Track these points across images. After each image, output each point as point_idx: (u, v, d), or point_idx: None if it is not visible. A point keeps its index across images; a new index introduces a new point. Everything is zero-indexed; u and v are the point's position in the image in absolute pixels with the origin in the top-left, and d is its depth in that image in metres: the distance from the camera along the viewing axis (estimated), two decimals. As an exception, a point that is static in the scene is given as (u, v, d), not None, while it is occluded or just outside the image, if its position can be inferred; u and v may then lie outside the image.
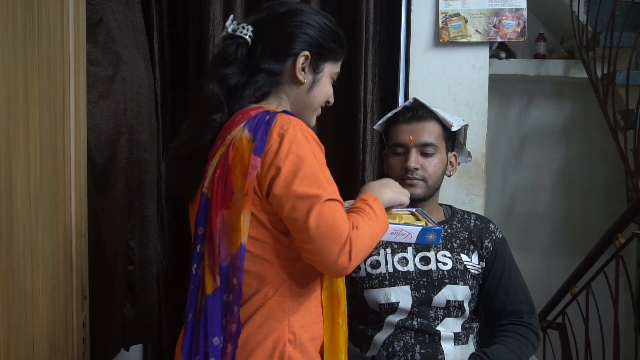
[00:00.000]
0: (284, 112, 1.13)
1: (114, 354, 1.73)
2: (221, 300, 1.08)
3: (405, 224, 1.28)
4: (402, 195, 1.27)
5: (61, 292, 1.37)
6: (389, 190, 1.24)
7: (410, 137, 1.52)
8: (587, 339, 2.49)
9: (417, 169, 1.51)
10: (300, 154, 1.06)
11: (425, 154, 1.52)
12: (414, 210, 1.43)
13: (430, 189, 1.54)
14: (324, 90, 1.24)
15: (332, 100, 1.28)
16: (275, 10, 1.22)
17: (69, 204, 1.41)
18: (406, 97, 1.98)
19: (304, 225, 1.03)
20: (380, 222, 1.14)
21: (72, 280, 1.42)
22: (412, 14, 1.98)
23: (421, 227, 1.25)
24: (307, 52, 1.19)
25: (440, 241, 1.54)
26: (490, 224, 1.60)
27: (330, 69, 1.25)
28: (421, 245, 1.53)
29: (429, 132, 1.53)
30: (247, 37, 1.18)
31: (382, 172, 1.82)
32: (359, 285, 1.52)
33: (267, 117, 1.09)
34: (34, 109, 1.24)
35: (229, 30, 1.19)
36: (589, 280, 2.48)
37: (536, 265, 3.72)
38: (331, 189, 1.07)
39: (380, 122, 1.64)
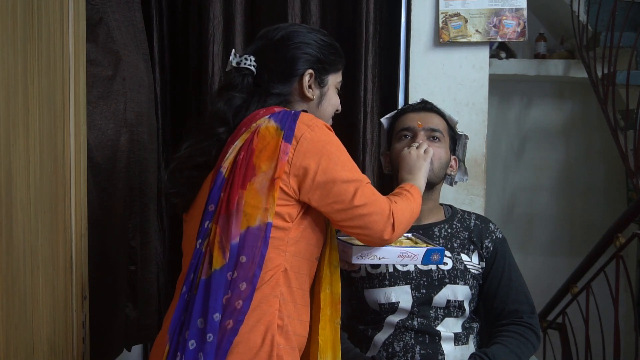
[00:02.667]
0: (304, 111, 1.21)
1: (117, 354, 1.73)
2: (226, 277, 1.11)
3: (409, 246, 1.33)
4: (426, 163, 1.43)
5: (61, 292, 1.37)
6: (418, 173, 1.40)
7: (419, 122, 1.55)
8: (587, 339, 2.49)
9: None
10: (335, 143, 1.17)
11: (432, 139, 1.54)
12: (410, 235, 1.47)
13: (435, 175, 1.53)
14: (332, 102, 1.33)
15: (340, 108, 1.37)
16: (273, 36, 1.28)
17: (69, 204, 1.41)
18: (406, 97, 1.98)
19: (351, 205, 1.15)
20: (418, 202, 1.29)
21: (72, 280, 1.42)
22: (412, 14, 1.98)
23: (426, 249, 1.31)
24: (310, 70, 1.27)
25: (441, 241, 1.54)
26: (491, 224, 1.60)
27: (334, 80, 1.33)
28: None
29: (437, 122, 1.57)
30: (251, 67, 1.25)
31: (382, 173, 1.82)
32: (359, 285, 1.52)
33: (293, 112, 1.18)
34: (34, 108, 1.24)
35: (233, 64, 1.26)
36: (589, 280, 2.48)
37: (536, 265, 3.72)
38: (362, 174, 1.20)
39: (388, 115, 1.66)
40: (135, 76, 1.80)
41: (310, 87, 1.28)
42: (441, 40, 1.96)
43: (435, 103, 1.65)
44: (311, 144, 1.14)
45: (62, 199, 1.37)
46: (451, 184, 1.64)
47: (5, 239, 1.14)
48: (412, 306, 1.47)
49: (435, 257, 1.32)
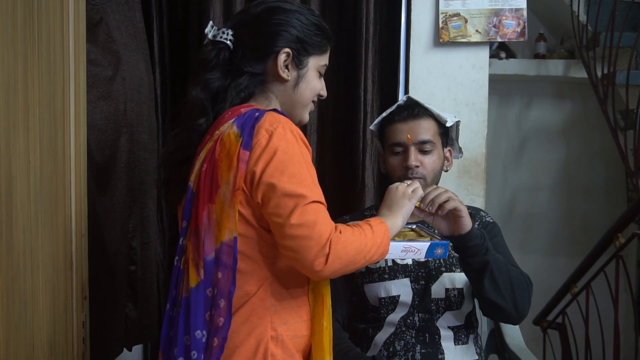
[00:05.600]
0: (274, 110, 1.13)
1: (117, 354, 1.73)
2: (204, 294, 1.08)
3: (412, 240, 1.30)
4: (410, 203, 1.26)
5: (61, 292, 1.37)
6: (398, 212, 1.24)
7: (408, 136, 1.52)
8: (587, 339, 2.49)
9: (417, 166, 1.51)
10: (289, 152, 1.06)
11: (423, 152, 1.53)
12: (414, 226, 1.45)
13: (430, 184, 1.54)
14: (310, 85, 1.23)
15: (324, 93, 1.27)
16: (253, 11, 1.21)
17: (69, 204, 1.41)
18: (406, 97, 1.98)
19: (286, 222, 1.03)
20: (376, 241, 1.12)
21: (72, 280, 1.42)
22: (412, 14, 1.98)
23: (429, 243, 1.28)
24: (287, 49, 1.18)
25: (437, 233, 1.54)
26: (482, 212, 1.62)
27: (316, 63, 1.23)
28: None
29: (426, 130, 1.53)
30: (227, 41, 1.18)
31: (382, 173, 1.82)
32: (359, 280, 1.52)
33: (257, 114, 1.10)
34: (34, 109, 1.24)
35: (209, 36, 1.19)
36: (589, 280, 2.48)
37: (536, 265, 3.71)
38: (317, 190, 1.08)
39: (375, 122, 1.64)
40: (135, 76, 1.80)
41: (286, 67, 1.19)
42: (441, 40, 1.96)
43: (435, 103, 1.64)
44: (264, 150, 1.06)
45: (62, 199, 1.37)
46: (446, 170, 1.63)
47: (5, 239, 1.14)
48: (413, 299, 1.47)
49: (439, 250, 1.29)
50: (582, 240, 3.69)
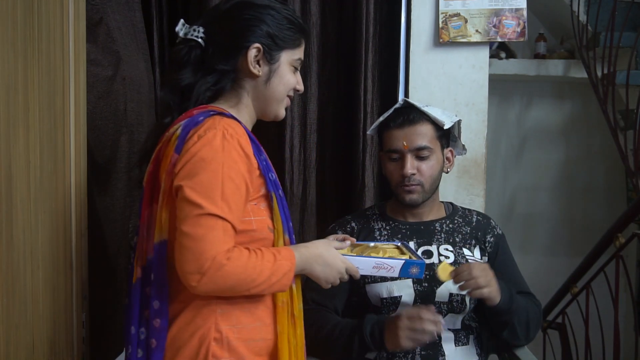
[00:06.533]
0: (224, 114, 1.11)
1: (117, 354, 1.73)
2: (140, 291, 1.10)
3: (389, 257, 1.27)
4: (338, 278, 1.18)
5: (61, 292, 1.37)
6: (317, 272, 1.16)
7: (404, 143, 1.51)
8: (587, 339, 2.49)
9: (413, 174, 1.51)
10: (207, 159, 1.03)
11: (420, 158, 1.52)
12: (398, 244, 1.43)
13: (427, 192, 1.54)
14: (284, 80, 1.21)
15: (300, 87, 1.25)
16: (223, 7, 1.20)
17: (69, 204, 1.41)
18: (406, 97, 1.98)
19: (179, 227, 1.02)
20: (269, 278, 1.06)
21: (72, 280, 1.42)
22: (412, 14, 1.98)
23: (404, 261, 1.24)
24: (257, 45, 1.16)
25: (443, 235, 1.54)
26: (491, 221, 1.63)
27: (289, 57, 1.21)
28: (423, 239, 1.53)
29: (422, 135, 1.52)
30: (198, 39, 1.17)
31: (382, 173, 1.82)
32: (360, 280, 1.52)
33: (201, 117, 1.09)
34: (34, 109, 1.24)
35: (181, 34, 1.18)
36: (589, 280, 2.48)
37: (536, 265, 3.72)
38: (222, 205, 1.02)
39: (372, 127, 1.64)
40: (135, 76, 1.80)
41: (258, 63, 1.17)
42: (441, 40, 1.96)
43: (435, 103, 1.64)
44: (188, 154, 1.05)
45: (62, 199, 1.37)
46: (447, 172, 1.63)
47: (6, 239, 1.14)
48: (415, 300, 1.47)
49: (415, 270, 1.24)
50: (582, 240, 3.69)
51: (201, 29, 1.17)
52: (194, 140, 1.05)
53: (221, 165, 1.04)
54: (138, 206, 1.17)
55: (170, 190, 1.06)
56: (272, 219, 1.15)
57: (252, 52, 1.16)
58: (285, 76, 1.21)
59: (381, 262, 1.22)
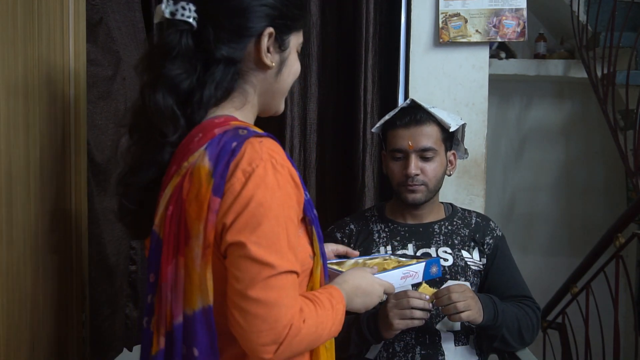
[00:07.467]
0: (255, 135, 0.91)
1: (117, 354, 1.73)
2: None
3: (402, 266, 1.27)
4: (375, 304, 1.11)
5: (61, 292, 1.37)
6: (364, 299, 1.07)
7: (410, 143, 1.51)
8: (587, 339, 2.49)
9: (417, 174, 1.51)
10: (266, 204, 0.86)
11: (424, 158, 1.52)
12: (386, 256, 1.42)
13: (431, 192, 1.54)
14: (292, 70, 1.03)
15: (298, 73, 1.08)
16: None
17: (69, 204, 1.41)
18: (406, 97, 1.98)
19: (244, 292, 0.84)
20: (332, 332, 0.95)
21: (72, 280, 1.42)
22: (412, 14, 1.98)
23: (424, 262, 1.25)
24: (271, 29, 0.96)
25: (441, 237, 1.54)
26: (491, 222, 1.62)
27: (296, 41, 1.03)
28: (421, 242, 1.53)
29: (428, 136, 1.52)
30: (190, 19, 0.92)
31: (382, 173, 1.82)
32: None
33: (234, 143, 0.88)
34: (34, 109, 1.24)
35: (166, 15, 0.93)
36: (589, 280, 2.48)
37: (536, 265, 3.72)
38: (290, 257, 0.87)
39: (377, 125, 1.64)
40: (135, 76, 1.79)
41: (269, 51, 0.97)
42: (441, 40, 1.96)
43: (435, 103, 1.64)
44: (237, 198, 0.85)
45: (62, 199, 1.37)
46: (449, 174, 1.63)
47: (6, 239, 1.14)
48: None
49: (434, 269, 1.26)
50: (582, 240, 3.69)
51: (192, 7, 0.93)
52: (241, 180, 0.86)
53: (281, 207, 0.87)
54: (147, 256, 0.94)
55: (218, 244, 0.88)
56: (311, 245, 0.99)
57: (264, 39, 0.96)
58: (294, 65, 1.03)
59: (407, 270, 1.23)
